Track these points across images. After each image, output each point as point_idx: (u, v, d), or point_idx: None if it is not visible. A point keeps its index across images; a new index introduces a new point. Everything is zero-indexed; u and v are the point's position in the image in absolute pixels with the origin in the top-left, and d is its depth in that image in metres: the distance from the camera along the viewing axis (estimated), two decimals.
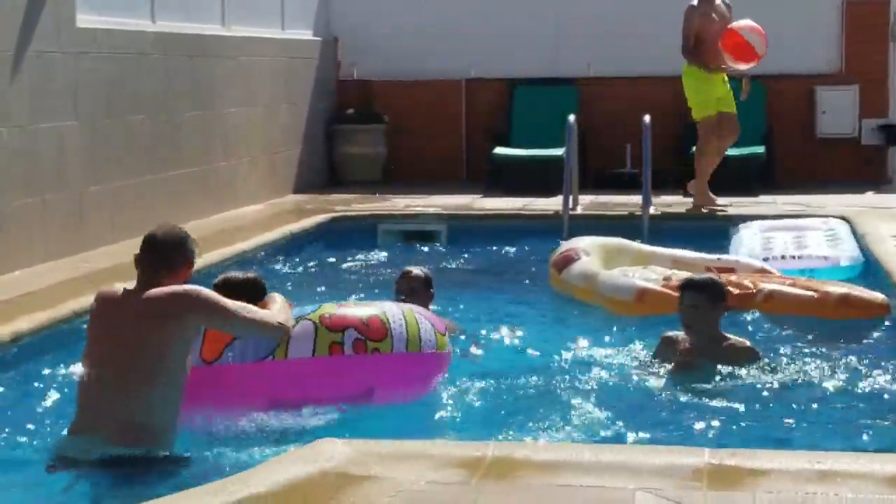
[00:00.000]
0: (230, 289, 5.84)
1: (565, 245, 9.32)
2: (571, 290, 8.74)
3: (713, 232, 11.14)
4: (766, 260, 9.25)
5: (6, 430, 5.62)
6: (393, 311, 5.72)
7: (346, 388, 5.54)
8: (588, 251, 9.02)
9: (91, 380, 5.08)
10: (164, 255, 5.25)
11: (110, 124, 10.71)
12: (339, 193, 14.53)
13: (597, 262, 8.86)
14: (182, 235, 5.35)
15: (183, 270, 5.27)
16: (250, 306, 5.37)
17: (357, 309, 5.71)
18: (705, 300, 6.50)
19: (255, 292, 5.84)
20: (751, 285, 8.09)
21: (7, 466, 5.14)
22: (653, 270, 8.79)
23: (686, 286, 6.63)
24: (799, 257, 9.43)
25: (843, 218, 11.33)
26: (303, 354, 5.48)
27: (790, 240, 9.86)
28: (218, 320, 5.23)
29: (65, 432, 5.17)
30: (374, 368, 5.56)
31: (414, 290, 7.42)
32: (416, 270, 7.64)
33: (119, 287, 5.27)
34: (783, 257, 9.40)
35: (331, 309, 5.65)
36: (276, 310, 5.50)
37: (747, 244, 9.91)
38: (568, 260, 8.88)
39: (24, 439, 5.48)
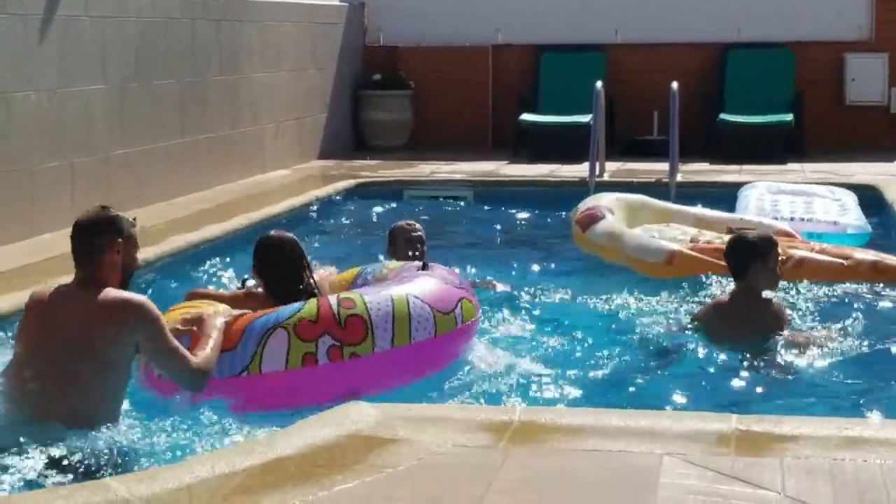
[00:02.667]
0: (267, 250, 5.86)
1: (588, 202, 9.22)
2: (596, 248, 8.70)
3: None
4: (775, 218, 9.21)
5: None
6: (381, 302, 5.49)
7: (324, 395, 5.32)
8: (612, 209, 8.96)
9: (31, 380, 4.78)
10: (88, 241, 4.89)
11: (137, 88, 10.72)
12: (365, 159, 14.52)
13: (621, 221, 8.82)
14: (102, 217, 4.93)
15: (110, 254, 4.88)
16: (185, 352, 5.00)
17: (338, 306, 5.43)
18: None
19: (291, 255, 5.85)
20: (781, 252, 8.04)
21: None
22: (675, 228, 8.77)
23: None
24: (809, 220, 9.41)
25: (870, 186, 11.29)
26: (276, 368, 5.33)
27: (799, 203, 9.84)
28: (153, 349, 4.88)
29: None
30: (351, 374, 5.40)
31: (422, 240, 7.36)
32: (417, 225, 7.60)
33: (52, 286, 4.97)
34: (792, 218, 9.38)
35: (311, 311, 5.40)
36: (212, 340, 5.20)
37: (755, 203, 9.87)
38: (592, 218, 8.79)
39: None
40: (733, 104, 14.74)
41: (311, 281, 5.91)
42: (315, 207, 11.50)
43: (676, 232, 8.65)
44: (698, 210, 9.40)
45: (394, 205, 12.12)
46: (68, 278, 7.47)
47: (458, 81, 15.76)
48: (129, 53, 10.55)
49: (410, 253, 7.40)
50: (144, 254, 8.36)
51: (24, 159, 9.17)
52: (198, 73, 11.81)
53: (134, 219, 5.02)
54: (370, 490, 4.01)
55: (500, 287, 7.78)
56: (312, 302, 5.49)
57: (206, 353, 5.08)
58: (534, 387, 5.78)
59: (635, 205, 9.33)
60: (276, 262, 5.86)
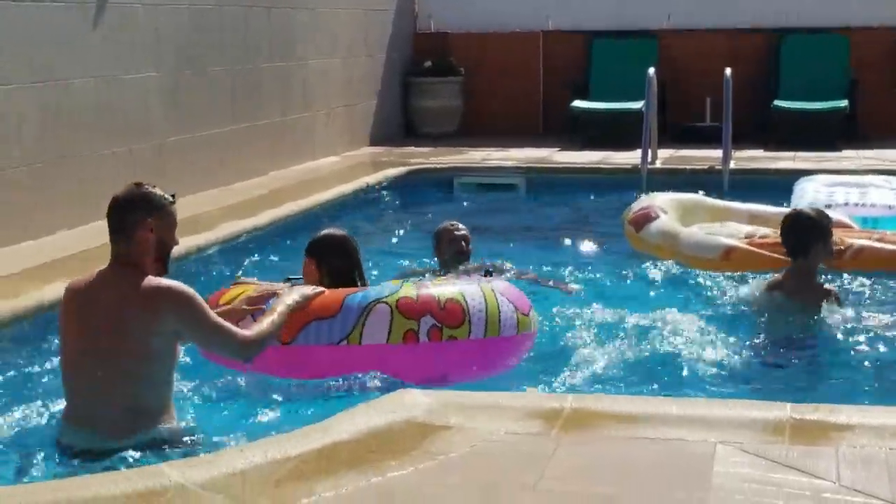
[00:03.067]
0: (326, 247, 5.89)
1: (641, 202, 9.21)
2: (651, 248, 8.66)
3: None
4: (828, 207, 9.14)
5: None
6: (474, 293, 5.57)
7: (419, 374, 5.45)
8: (665, 208, 8.93)
9: (76, 372, 4.73)
10: (121, 218, 4.70)
11: (190, 75, 10.77)
12: (415, 146, 14.52)
13: (675, 220, 8.78)
14: (135, 194, 4.70)
15: (142, 231, 4.67)
16: (229, 326, 4.87)
17: (437, 290, 5.55)
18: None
19: (346, 251, 5.88)
20: (839, 241, 7.95)
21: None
22: (731, 226, 8.71)
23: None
24: (863, 205, 9.33)
25: None
26: (377, 341, 5.42)
27: (854, 192, 9.75)
28: (195, 332, 4.76)
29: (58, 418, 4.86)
30: (448, 356, 5.49)
31: (466, 238, 7.34)
32: (460, 225, 7.58)
33: (89, 274, 4.80)
34: (846, 204, 9.30)
35: (409, 291, 5.52)
36: (276, 315, 5.14)
37: (810, 195, 9.80)
38: (646, 218, 8.77)
39: None
40: (787, 90, 14.61)
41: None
42: (365, 194, 11.51)
43: (731, 228, 8.59)
44: (752, 206, 9.31)
45: (444, 192, 12.11)
46: None
47: (509, 68, 15.72)
48: (181, 41, 10.60)
49: (456, 252, 7.42)
50: (196, 240, 8.45)
51: (81, 146, 9.24)
52: (249, 61, 11.86)
53: (173, 195, 4.83)
54: (423, 476, 4.02)
55: (573, 287, 7.67)
56: (409, 284, 5.60)
57: (261, 326, 5.00)
58: (585, 374, 5.77)
59: (688, 204, 9.28)
60: (346, 256, 5.91)
